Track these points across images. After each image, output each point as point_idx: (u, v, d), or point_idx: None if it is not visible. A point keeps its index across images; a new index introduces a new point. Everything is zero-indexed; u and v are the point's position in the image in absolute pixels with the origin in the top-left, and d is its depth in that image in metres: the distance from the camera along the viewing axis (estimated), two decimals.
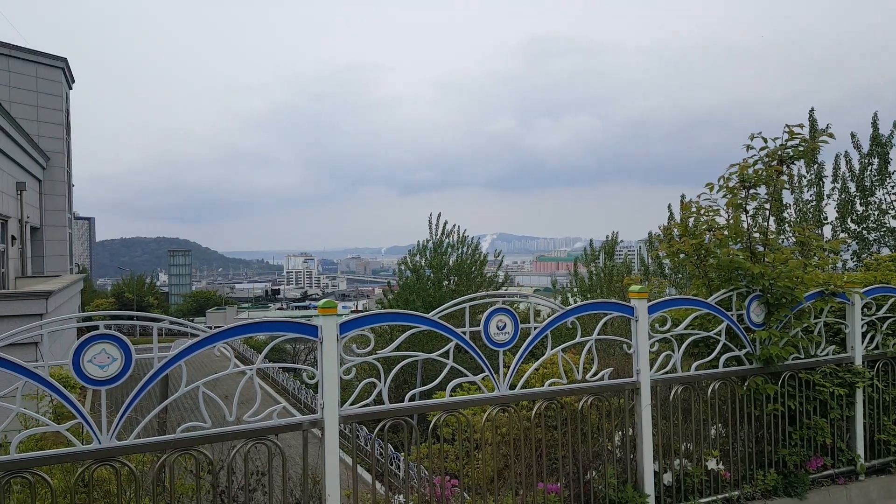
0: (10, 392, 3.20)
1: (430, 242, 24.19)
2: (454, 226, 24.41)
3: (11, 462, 3.10)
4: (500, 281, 25.46)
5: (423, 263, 23.84)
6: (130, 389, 3.38)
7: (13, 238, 18.39)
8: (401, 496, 4.11)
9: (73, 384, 4.00)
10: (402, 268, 24.42)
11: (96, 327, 3.29)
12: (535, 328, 4.38)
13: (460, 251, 23.96)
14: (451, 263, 23.65)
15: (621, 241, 23.38)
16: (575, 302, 4.41)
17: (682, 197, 11.49)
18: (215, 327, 3.58)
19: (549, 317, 4.52)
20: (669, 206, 15.43)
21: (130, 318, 4.01)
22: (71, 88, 27.39)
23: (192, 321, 3.66)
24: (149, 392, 3.39)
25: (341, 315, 3.80)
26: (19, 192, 18.87)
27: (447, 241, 24.08)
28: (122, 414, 3.30)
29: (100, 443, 3.26)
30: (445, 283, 23.26)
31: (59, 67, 25.05)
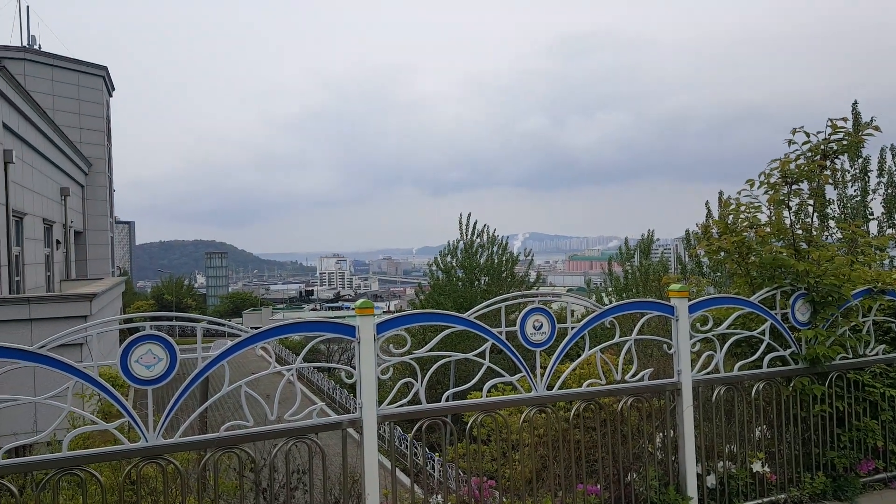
0: (60, 392, 3.30)
1: (461, 243, 24.15)
2: (484, 226, 24.35)
3: (64, 459, 3.20)
4: (531, 281, 25.28)
5: (454, 264, 23.81)
6: (170, 389, 3.45)
7: (58, 242, 19.03)
8: (438, 496, 4.11)
9: (120, 384, 4.11)
10: (434, 268, 24.44)
11: (137, 329, 3.37)
12: (573, 328, 4.33)
13: (491, 251, 23.87)
14: (481, 263, 23.57)
15: (657, 239, 22.88)
16: (610, 302, 4.35)
17: (721, 194, 11.20)
18: (252, 328, 3.63)
19: (583, 317, 4.46)
20: (707, 203, 15.08)
21: (171, 318, 4.12)
22: (111, 96, 28.28)
23: (230, 322, 3.72)
24: (189, 393, 3.46)
25: (377, 315, 3.82)
26: (63, 198, 19.54)
27: (478, 241, 24.01)
28: (167, 412, 3.38)
29: (147, 441, 3.33)
30: (476, 283, 23.19)
31: (100, 76, 25.89)
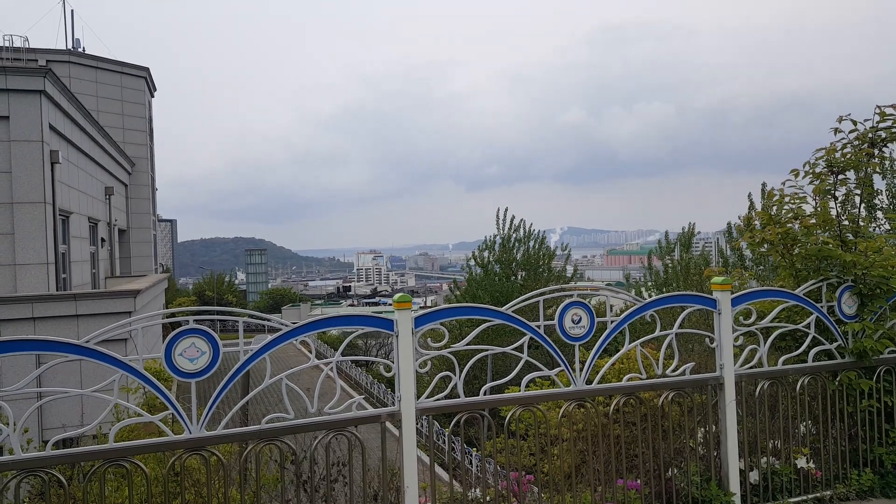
0: (107, 385, 3.36)
1: (498, 237, 24.08)
2: (521, 220, 24.22)
3: (111, 451, 3.26)
4: (568, 275, 25.09)
5: (490, 258, 23.78)
6: (212, 383, 3.49)
7: (102, 240, 19.48)
8: (477, 490, 4.10)
9: (164, 377, 4.17)
10: (471, 263, 24.42)
11: (180, 324, 3.41)
12: (612, 322, 4.27)
13: (527, 245, 23.76)
14: (518, 258, 23.49)
15: (698, 232, 22.41)
16: (649, 296, 4.28)
17: (764, 185, 10.91)
18: (293, 323, 3.65)
19: (622, 312, 4.39)
20: (750, 195, 14.70)
21: (213, 313, 4.17)
22: (153, 96, 28.79)
23: (272, 317, 3.75)
24: (231, 386, 3.49)
25: (415, 309, 3.81)
26: (108, 197, 19.98)
27: (514, 235, 23.92)
28: (211, 404, 3.42)
29: (190, 433, 3.38)
30: (513, 277, 23.13)
31: (142, 77, 26.38)
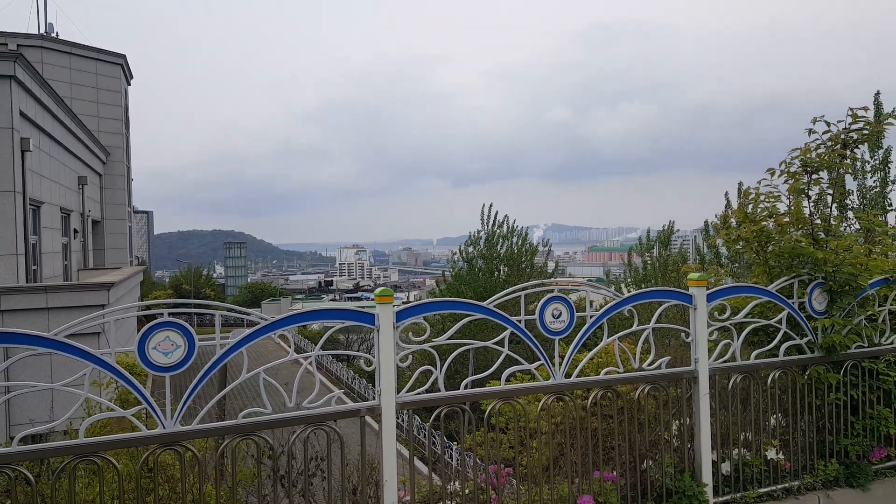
0: (77, 379, 3.27)
1: (483, 233, 24.21)
2: (505, 216, 24.37)
3: (81, 446, 3.18)
4: (549, 271, 25.36)
5: (475, 254, 23.90)
6: (187, 378, 3.43)
7: (75, 231, 18.97)
8: (456, 483, 4.11)
9: (138, 372, 4.08)
10: (456, 258, 24.52)
11: (155, 317, 3.33)
12: (592, 316, 4.31)
13: (510, 241, 23.94)
14: (501, 254, 23.66)
15: (678, 230, 22.86)
16: (628, 292, 4.36)
17: (740, 184, 11.10)
18: (272, 317, 3.60)
19: (602, 307, 4.43)
20: (727, 193, 15.01)
21: (190, 306, 4.08)
22: (129, 85, 28.05)
23: (251, 310, 3.69)
24: (207, 380, 3.43)
25: (397, 304, 3.79)
26: (81, 187, 19.45)
27: (498, 231, 24.08)
28: (185, 399, 3.36)
29: (164, 428, 3.31)
30: (497, 273, 23.29)
31: (118, 64, 25.67)
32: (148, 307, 3.67)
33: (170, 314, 3.36)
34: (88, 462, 3.23)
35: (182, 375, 3.40)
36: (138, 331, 3.38)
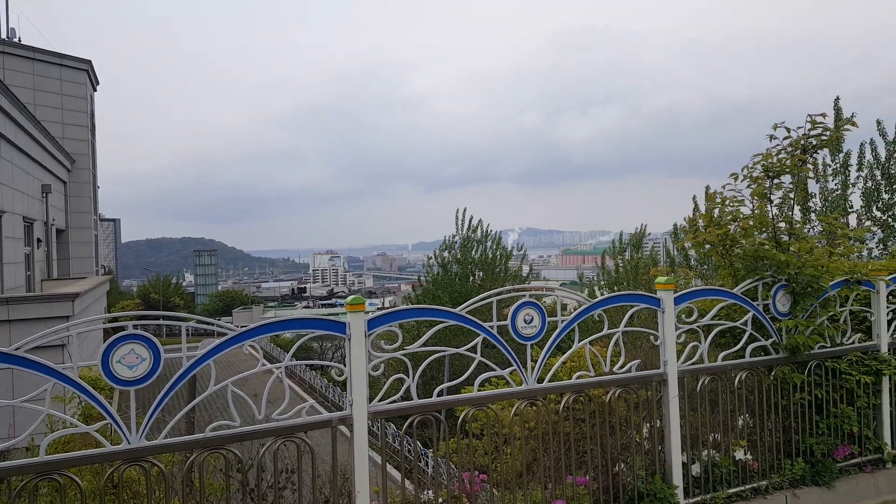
0: (38, 394, 3.18)
1: (458, 238, 24.24)
2: (479, 221, 24.44)
3: (42, 463, 3.09)
4: (524, 275, 25.45)
5: (450, 258, 23.89)
6: (157, 390, 3.35)
7: (39, 241, 18.43)
8: (429, 492, 4.08)
9: (102, 386, 3.97)
10: (431, 263, 24.49)
11: (123, 328, 3.26)
12: (563, 321, 4.34)
13: (485, 246, 24.00)
14: (475, 258, 23.69)
15: (649, 233, 23.23)
16: (602, 295, 4.40)
17: (707, 188, 11.30)
18: (242, 327, 3.54)
19: (575, 310, 4.47)
20: (694, 197, 15.30)
21: (157, 318, 3.99)
22: (95, 90, 27.42)
23: (218, 321, 3.62)
24: (176, 393, 3.37)
25: (369, 312, 3.77)
26: (45, 195, 18.91)
27: (473, 236, 24.12)
28: (151, 413, 3.28)
29: (129, 443, 3.24)
30: (472, 278, 23.31)
31: (84, 70, 25.08)
32: (115, 319, 3.59)
33: (136, 326, 3.28)
34: (50, 480, 3.13)
35: (149, 388, 3.33)
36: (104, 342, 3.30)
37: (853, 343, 5.54)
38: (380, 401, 3.81)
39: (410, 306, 4.46)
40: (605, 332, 4.49)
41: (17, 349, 3.05)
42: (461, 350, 4.03)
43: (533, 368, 4.25)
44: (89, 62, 25.39)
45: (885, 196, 13.31)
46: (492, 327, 4.10)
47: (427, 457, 10.77)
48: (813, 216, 12.10)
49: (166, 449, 3.38)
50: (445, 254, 24.15)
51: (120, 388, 3.30)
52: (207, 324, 3.52)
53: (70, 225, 23.79)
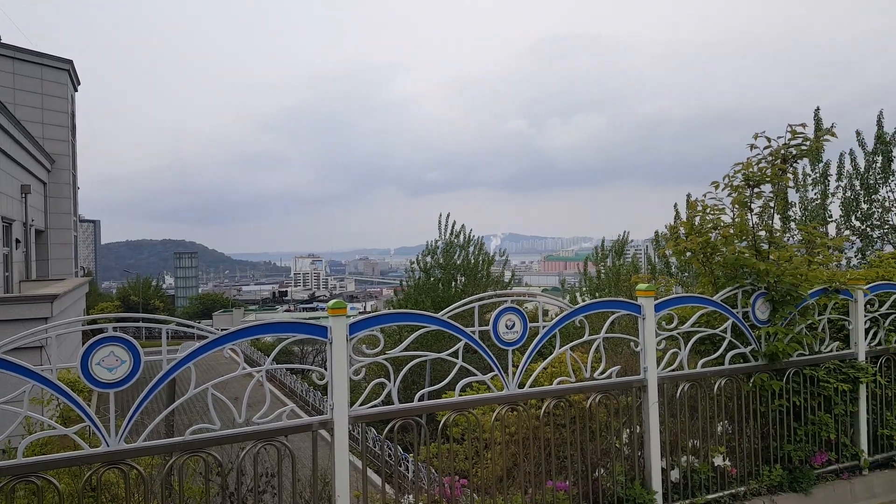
0: (16, 396, 3.16)
1: (440, 243, 24.28)
2: (461, 226, 24.50)
3: (18, 466, 3.07)
4: (506, 281, 25.53)
5: (433, 263, 23.91)
6: (136, 393, 3.35)
7: (17, 241, 18.26)
8: (410, 496, 4.10)
9: (81, 388, 3.96)
10: (414, 267, 24.49)
11: (102, 330, 3.26)
12: (544, 327, 4.37)
13: (468, 251, 24.04)
14: (458, 263, 23.72)
15: (632, 240, 23.44)
16: (583, 301, 4.45)
17: (688, 196, 11.38)
18: (222, 330, 3.55)
19: (557, 316, 4.51)
20: (675, 205, 15.42)
21: (137, 320, 3.95)
22: (76, 90, 27.24)
23: (199, 324, 3.62)
24: (155, 396, 3.36)
25: (350, 316, 3.78)
26: (24, 195, 18.75)
27: (455, 241, 24.15)
28: (130, 416, 3.28)
29: (108, 445, 3.23)
30: (454, 283, 23.33)
31: (65, 69, 24.92)
32: (94, 321, 3.58)
33: (116, 328, 3.28)
34: (28, 482, 3.12)
35: (129, 391, 3.32)
36: (84, 344, 3.29)
37: (831, 351, 5.62)
38: (361, 405, 3.82)
39: (392, 311, 4.48)
40: (586, 338, 4.53)
41: None
42: (443, 355, 4.05)
43: (514, 374, 4.28)
44: (70, 62, 25.25)
45: (864, 206, 13.50)
46: (473, 332, 4.13)
47: (408, 461, 10.78)
48: (793, 225, 12.25)
49: (145, 452, 3.37)
50: (428, 259, 24.17)
51: (99, 391, 3.30)
52: (188, 326, 3.52)
53: (49, 226, 23.61)
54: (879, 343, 5.90)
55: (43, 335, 3.35)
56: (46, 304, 10.89)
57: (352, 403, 3.79)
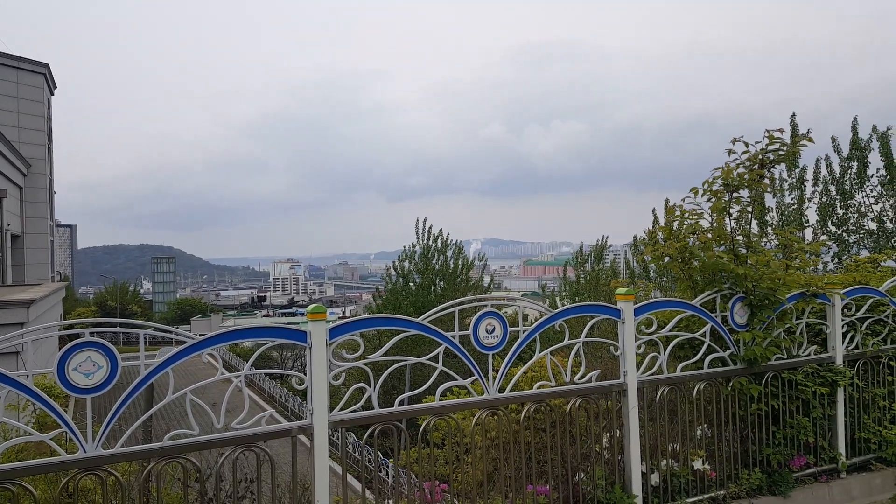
0: None
1: (418, 248, 24.27)
2: (440, 230, 24.53)
3: None
4: (485, 285, 25.57)
5: (411, 268, 23.90)
6: (113, 398, 3.34)
7: None
8: (390, 502, 4.10)
9: (57, 393, 3.93)
10: (392, 273, 24.46)
11: (79, 336, 3.24)
12: (524, 331, 4.40)
13: (446, 255, 24.06)
14: (436, 268, 23.74)
15: (611, 245, 23.65)
16: (563, 305, 4.46)
17: (667, 201, 11.52)
18: (200, 335, 3.54)
19: (536, 320, 4.54)
20: (654, 210, 15.56)
21: (115, 325, 3.92)
22: (53, 94, 27.06)
23: (177, 329, 3.62)
24: (133, 401, 3.35)
25: (330, 321, 3.79)
26: None
27: (433, 245, 24.17)
28: (107, 422, 3.26)
29: (85, 452, 3.21)
30: (433, 287, 23.34)
31: (41, 73, 24.75)
32: (71, 326, 3.56)
33: (93, 333, 3.27)
34: (3, 489, 3.09)
35: (106, 396, 3.31)
36: (60, 349, 3.28)
37: (809, 355, 5.69)
38: (340, 410, 3.83)
39: (372, 315, 4.49)
40: (566, 342, 4.57)
41: None
42: (423, 359, 4.07)
43: (494, 378, 4.30)
44: (47, 66, 25.11)
45: (840, 211, 13.69)
46: (454, 337, 4.15)
47: (388, 466, 10.73)
48: (770, 230, 12.40)
49: (123, 458, 3.35)
50: (405, 263, 24.16)
51: (76, 396, 3.28)
52: (166, 331, 3.52)
53: (25, 230, 23.39)
54: (857, 347, 5.98)
55: (19, 340, 3.33)
56: (22, 309, 10.76)
57: (332, 408, 3.79)
